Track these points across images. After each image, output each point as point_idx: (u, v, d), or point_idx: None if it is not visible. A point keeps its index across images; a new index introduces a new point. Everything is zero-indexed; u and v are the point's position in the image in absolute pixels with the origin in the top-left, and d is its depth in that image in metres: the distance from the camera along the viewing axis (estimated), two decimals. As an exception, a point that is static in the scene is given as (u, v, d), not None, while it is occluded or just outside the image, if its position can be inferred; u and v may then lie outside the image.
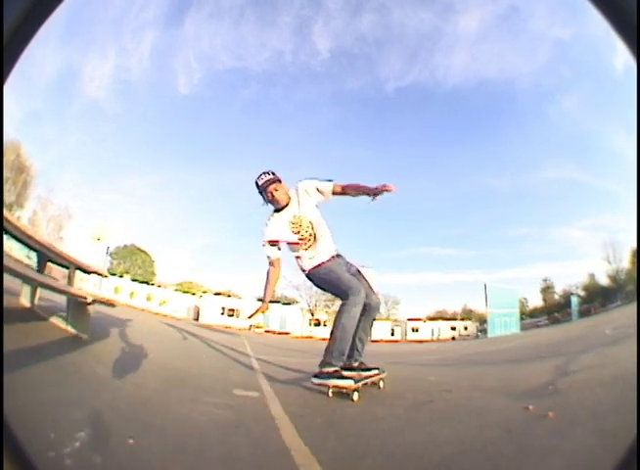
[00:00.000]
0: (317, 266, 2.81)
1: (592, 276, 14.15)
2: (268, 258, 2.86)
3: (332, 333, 2.61)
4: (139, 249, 17.10)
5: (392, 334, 13.98)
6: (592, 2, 0.91)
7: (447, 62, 21.75)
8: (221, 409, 1.98)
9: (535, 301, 15.20)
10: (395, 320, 14.55)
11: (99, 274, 4.65)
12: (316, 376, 2.53)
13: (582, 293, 14.02)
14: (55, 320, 3.19)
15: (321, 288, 2.95)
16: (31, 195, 12.06)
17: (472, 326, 13.93)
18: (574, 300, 13.64)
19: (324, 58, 20.82)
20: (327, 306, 13.28)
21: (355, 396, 2.32)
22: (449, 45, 22.10)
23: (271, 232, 2.83)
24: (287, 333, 12.45)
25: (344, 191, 2.81)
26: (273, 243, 2.84)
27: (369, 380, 2.61)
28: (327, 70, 21.23)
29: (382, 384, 2.74)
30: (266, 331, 11.91)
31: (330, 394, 2.38)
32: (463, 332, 14.03)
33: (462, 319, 14.47)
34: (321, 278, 2.83)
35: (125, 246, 17.06)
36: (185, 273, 17.35)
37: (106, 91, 18.30)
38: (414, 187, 19.72)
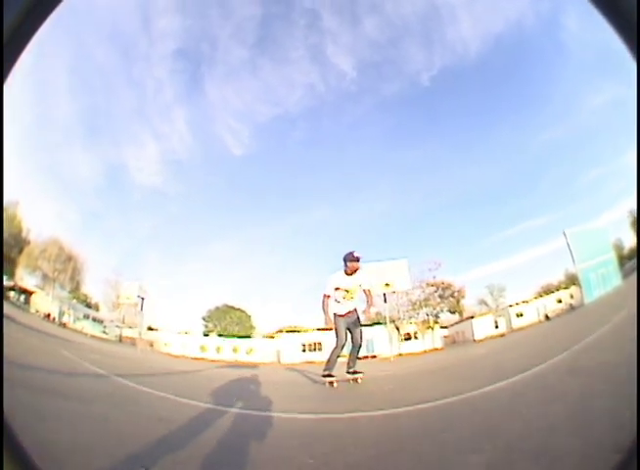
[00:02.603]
0: (341, 314, 5.91)
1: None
2: (329, 295, 5.99)
3: (328, 360, 5.78)
4: (231, 307, 17.35)
5: (497, 326, 12.14)
6: (592, 2, 0.91)
7: (459, 33, 20.61)
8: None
9: (630, 240, 11.92)
10: (497, 310, 12.63)
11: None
12: (324, 376, 5.64)
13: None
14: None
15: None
16: (87, 278, 13.28)
17: (577, 292, 11.14)
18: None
19: (352, 76, 20.60)
20: (412, 317, 12.05)
21: (335, 384, 5.50)
22: (451, 16, 21.04)
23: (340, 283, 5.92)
24: (374, 356, 11.38)
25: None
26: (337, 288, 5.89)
27: (351, 377, 5.72)
28: (360, 87, 21.02)
29: (359, 381, 5.61)
30: (352, 358, 11.02)
31: (326, 384, 5.56)
32: (569, 301, 11.44)
33: (566, 287, 11.84)
34: (335, 322, 5.86)
35: (217, 307, 17.44)
36: (288, 319, 17.51)
37: (159, 176, 19.65)
38: (479, 171, 18.36)
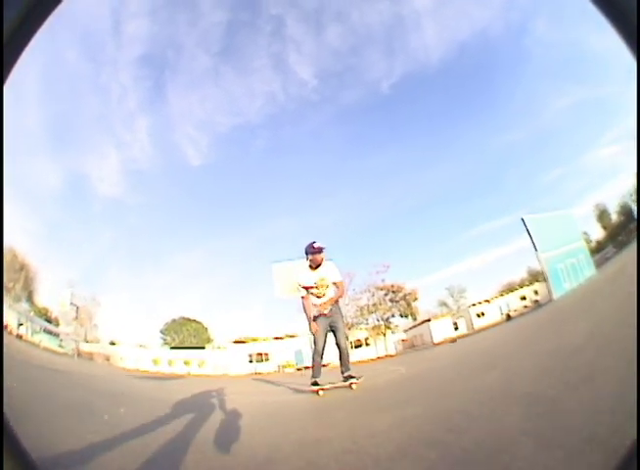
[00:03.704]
0: (317, 316, 5.24)
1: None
2: (305, 296, 5.29)
3: (312, 367, 5.17)
4: (188, 319, 17.07)
5: (456, 328, 11.57)
6: (592, 2, 0.89)
7: (422, 41, 20.77)
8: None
9: (598, 233, 11.05)
10: (458, 312, 12.01)
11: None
12: (311, 384, 5.01)
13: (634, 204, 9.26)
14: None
15: None
16: (42, 290, 13.16)
17: (542, 287, 10.16)
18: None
19: (313, 84, 20.73)
20: (362, 323, 11.50)
21: (321, 393, 4.85)
22: (415, 24, 21.27)
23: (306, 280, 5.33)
24: (324, 365, 10.82)
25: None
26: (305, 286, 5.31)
27: (338, 385, 5.04)
28: (322, 95, 21.13)
29: (354, 387, 4.94)
30: (298, 369, 10.53)
31: (317, 393, 4.91)
32: (534, 297, 10.70)
33: (529, 284, 11.15)
34: (314, 326, 5.20)
35: (174, 320, 17.14)
36: (248, 330, 17.23)
37: (120, 186, 19.54)
38: (440, 175, 18.34)
